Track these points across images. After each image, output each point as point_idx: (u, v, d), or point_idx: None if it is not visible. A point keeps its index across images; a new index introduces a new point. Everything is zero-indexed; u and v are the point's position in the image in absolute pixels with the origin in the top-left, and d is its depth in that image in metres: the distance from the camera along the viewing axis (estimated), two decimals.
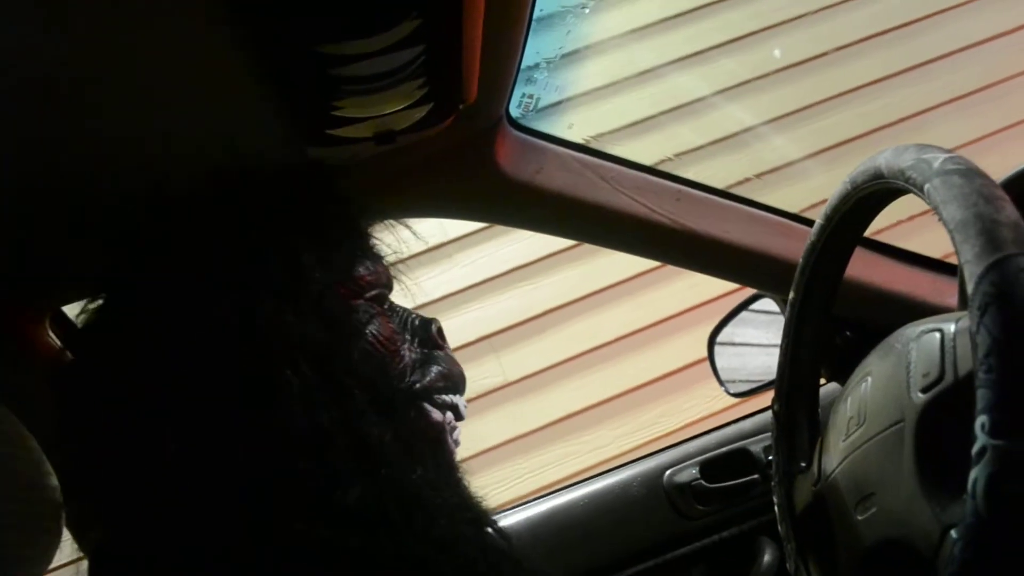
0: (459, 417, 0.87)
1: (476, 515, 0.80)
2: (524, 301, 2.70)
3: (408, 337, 0.85)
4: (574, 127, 2.72)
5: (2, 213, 0.77)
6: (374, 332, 0.79)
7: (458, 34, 0.70)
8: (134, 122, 0.72)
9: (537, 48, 2.34)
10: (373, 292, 0.82)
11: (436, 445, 0.83)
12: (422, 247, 2.71)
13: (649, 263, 2.56)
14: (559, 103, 2.67)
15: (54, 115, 0.66)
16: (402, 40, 0.66)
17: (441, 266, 2.72)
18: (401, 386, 0.80)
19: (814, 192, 2.64)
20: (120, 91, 0.67)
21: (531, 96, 2.44)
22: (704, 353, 1.39)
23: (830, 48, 2.90)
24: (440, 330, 0.89)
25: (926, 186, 0.64)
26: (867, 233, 0.88)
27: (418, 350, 0.85)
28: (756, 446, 1.31)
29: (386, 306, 0.85)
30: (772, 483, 0.95)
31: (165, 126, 0.74)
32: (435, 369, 0.85)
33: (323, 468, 0.68)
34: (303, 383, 0.69)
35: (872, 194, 0.77)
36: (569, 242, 2.58)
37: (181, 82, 0.69)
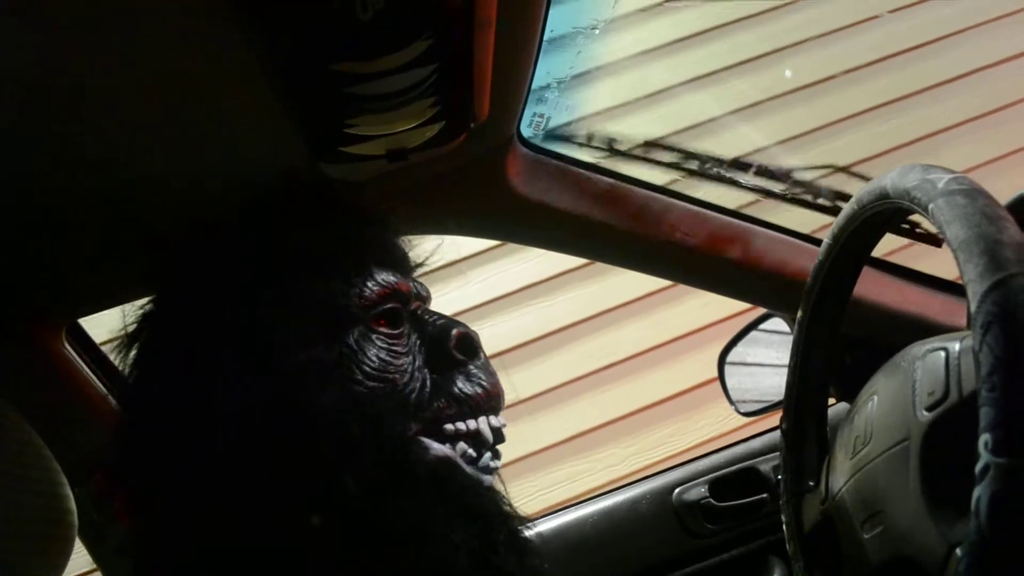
0: (484, 443, 0.79)
1: (501, 547, 0.76)
2: (537, 319, 2.71)
3: (413, 361, 0.78)
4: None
5: (23, 224, 0.78)
6: (367, 366, 0.74)
7: (469, 54, 0.71)
8: (150, 137, 0.73)
9: (548, 68, 2.36)
10: (382, 308, 0.78)
11: (442, 483, 0.75)
12: (436, 264, 2.72)
13: (661, 282, 2.56)
14: (570, 123, 2.69)
15: (76, 128, 0.68)
16: (415, 60, 0.67)
17: (455, 283, 2.73)
18: (390, 431, 0.73)
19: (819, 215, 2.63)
20: (138, 106, 0.68)
21: (542, 116, 2.46)
22: (715, 372, 1.39)
23: (840, 71, 2.91)
24: (465, 338, 0.81)
25: (930, 206, 0.64)
26: (878, 254, 0.89)
27: (425, 373, 0.78)
28: (765, 465, 1.31)
29: (399, 327, 0.79)
30: (781, 502, 0.95)
31: (181, 143, 0.76)
32: (444, 395, 0.78)
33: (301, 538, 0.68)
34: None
35: (878, 214, 0.78)
36: (582, 260, 2.58)
37: (198, 100, 0.71)
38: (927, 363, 0.72)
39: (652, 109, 2.86)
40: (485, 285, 2.74)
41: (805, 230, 1.18)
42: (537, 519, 1.32)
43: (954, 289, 1.19)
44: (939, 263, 1.03)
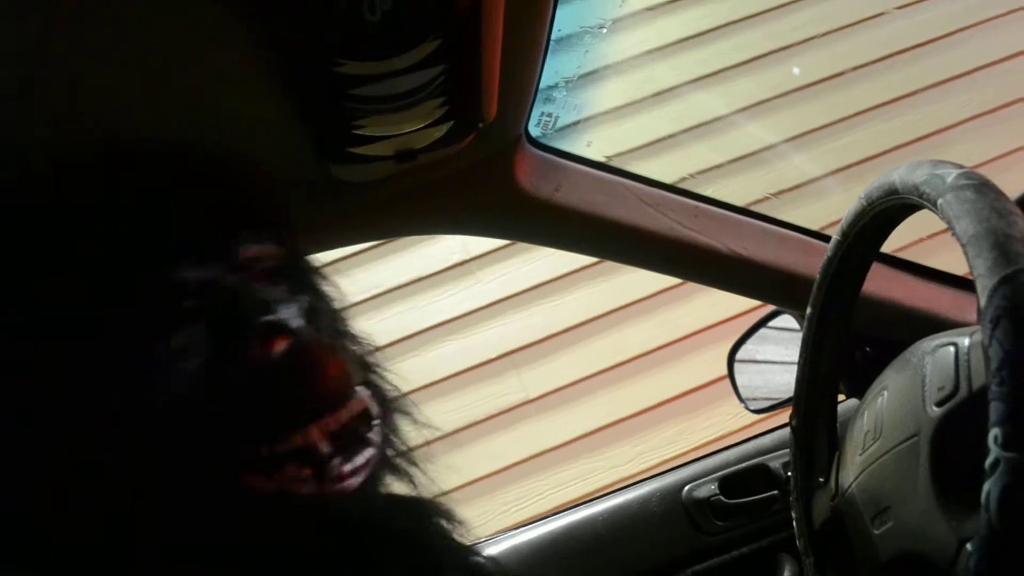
0: (320, 457, 0.64)
1: None
2: (546, 318, 2.72)
3: (197, 386, 0.62)
4: (593, 145, 2.73)
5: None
6: (145, 413, 0.60)
7: (477, 54, 0.71)
8: (152, 139, 0.73)
9: (556, 68, 2.37)
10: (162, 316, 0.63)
11: (290, 521, 0.64)
12: (444, 265, 2.74)
13: (670, 280, 2.56)
14: (578, 122, 2.69)
15: (75, 129, 0.68)
16: (422, 60, 0.67)
17: (463, 283, 2.74)
18: (198, 492, 0.61)
19: (832, 210, 2.63)
20: (141, 107, 0.68)
21: (550, 115, 2.46)
22: (724, 371, 1.39)
23: (848, 68, 2.91)
24: (270, 327, 0.63)
25: (939, 201, 0.64)
26: (887, 250, 0.89)
27: (222, 394, 0.62)
28: (775, 462, 1.31)
29: (173, 340, 0.63)
30: (791, 498, 0.95)
31: (188, 139, 0.76)
32: (252, 416, 0.63)
33: None
34: None
35: (887, 210, 0.78)
36: (590, 259, 2.59)
37: (203, 102, 0.71)
38: (937, 358, 0.72)
39: (659, 108, 2.86)
40: (494, 285, 2.75)
41: (814, 227, 1.18)
42: (546, 518, 1.32)
43: (963, 284, 1.19)
44: (948, 259, 1.03)
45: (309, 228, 0.98)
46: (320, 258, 0.95)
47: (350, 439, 0.66)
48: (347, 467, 0.65)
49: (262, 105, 0.73)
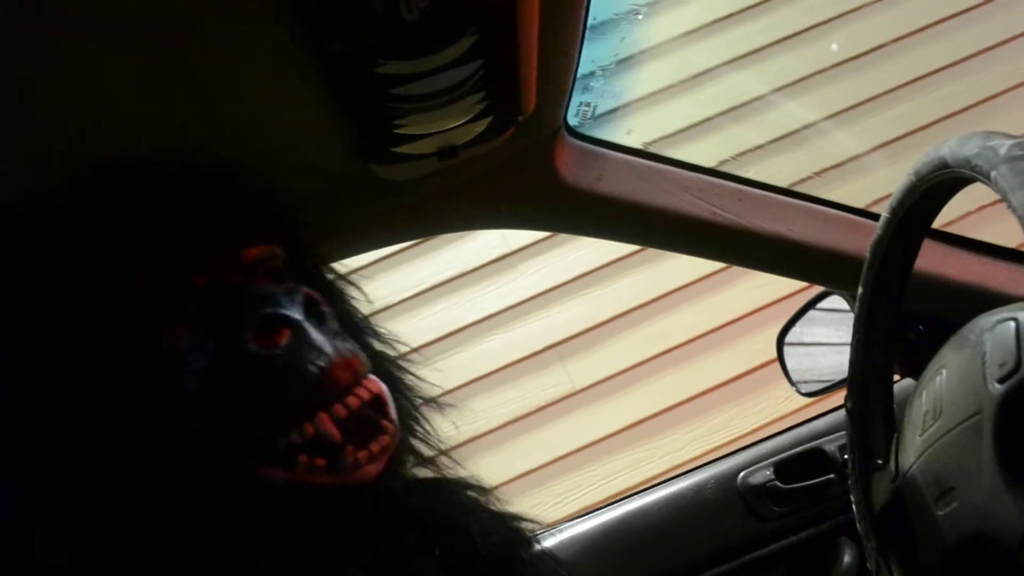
0: (331, 445, 0.64)
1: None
2: (590, 308, 2.71)
3: (206, 382, 0.63)
4: (632, 132, 2.72)
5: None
6: (148, 411, 0.62)
7: (514, 47, 0.71)
8: (193, 143, 0.74)
9: (592, 56, 2.36)
10: (162, 321, 0.64)
11: (303, 513, 0.64)
12: (485, 260, 2.74)
13: (714, 265, 2.54)
14: (616, 109, 2.68)
15: (114, 127, 0.68)
16: (460, 57, 0.67)
17: (506, 277, 2.74)
18: (207, 481, 0.61)
19: (877, 186, 2.59)
20: (181, 111, 0.69)
21: (588, 104, 2.45)
22: (773, 354, 1.37)
23: (888, 39, 2.85)
24: (265, 321, 0.63)
25: (992, 173, 0.63)
26: (935, 225, 0.87)
27: (228, 391, 0.63)
28: (831, 445, 1.30)
29: (180, 341, 0.64)
30: (849, 482, 0.94)
31: (227, 150, 0.77)
32: (260, 407, 0.63)
33: None
34: None
35: (938, 185, 0.76)
36: (632, 247, 2.58)
37: (243, 106, 0.72)
38: (996, 334, 0.71)
39: (696, 91, 2.84)
40: (536, 277, 2.74)
41: (859, 204, 1.17)
42: (600, 508, 1.32)
43: (1018, 257, 1.16)
44: (998, 231, 1.01)
45: (353, 229, 0.99)
46: (351, 261, 0.96)
47: (362, 425, 0.65)
48: (363, 454, 0.64)
49: (304, 109, 0.74)
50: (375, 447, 0.65)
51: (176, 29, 0.60)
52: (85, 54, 0.59)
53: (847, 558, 1.22)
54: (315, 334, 0.64)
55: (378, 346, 0.82)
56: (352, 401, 0.65)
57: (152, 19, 0.58)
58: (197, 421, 0.63)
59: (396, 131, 0.77)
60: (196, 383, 0.63)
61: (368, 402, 0.66)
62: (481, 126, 0.81)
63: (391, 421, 0.67)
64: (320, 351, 0.64)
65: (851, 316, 0.95)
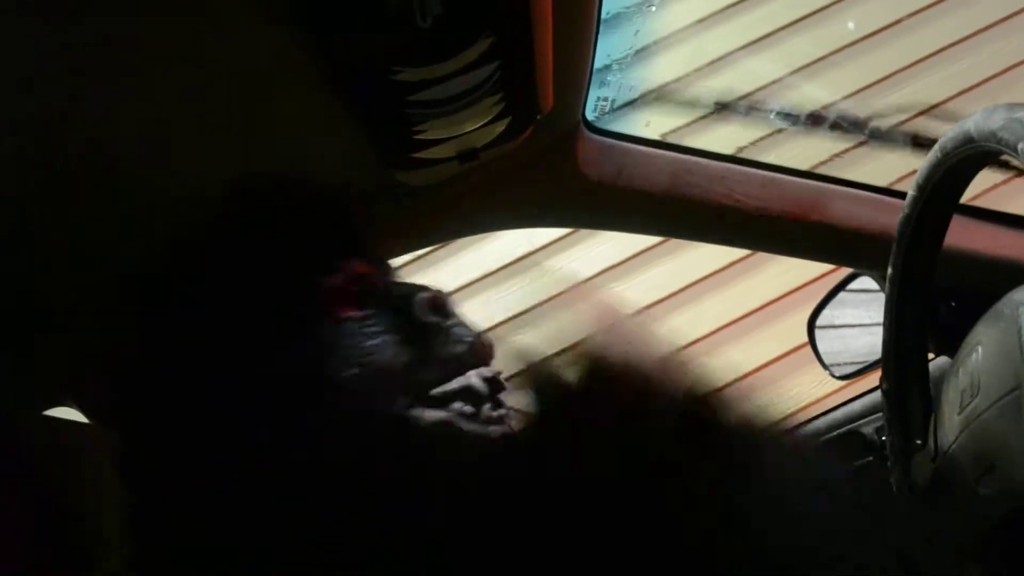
0: (479, 396, 0.75)
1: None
2: (617, 302, 2.70)
3: (387, 338, 0.74)
4: (651, 124, 2.71)
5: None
6: (344, 357, 0.71)
7: (530, 48, 0.71)
8: (220, 152, 0.75)
9: (608, 51, 2.35)
10: (345, 294, 0.75)
11: (446, 446, 0.73)
12: (510, 259, 2.74)
13: (738, 252, 2.53)
14: (634, 101, 2.67)
15: (124, 135, 0.69)
16: (476, 60, 0.68)
17: (530, 275, 2.74)
18: (380, 413, 0.72)
19: (900, 164, 2.56)
20: (199, 121, 0.70)
21: (606, 99, 2.45)
22: (804, 339, 1.36)
23: (904, 14, 2.82)
24: (435, 301, 0.77)
25: (1020, 146, 0.62)
26: (962, 199, 0.86)
27: (401, 347, 0.74)
28: (867, 427, 1.29)
29: (365, 308, 0.75)
30: (888, 463, 0.94)
31: (249, 161, 0.77)
32: (426, 364, 0.75)
33: None
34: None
35: (964, 159, 0.76)
36: (655, 239, 2.57)
37: (260, 117, 0.72)
38: None
39: (713, 77, 2.82)
40: (562, 274, 2.74)
41: (883, 183, 1.16)
42: None
43: None
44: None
45: (377, 237, 0.99)
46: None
47: (495, 390, 0.76)
48: (496, 413, 0.75)
49: (323, 121, 0.75)
50: (503, 411, 0.76)
51: (201, 57, 0.60)
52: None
53: None
54: (462, 319, 0.79)
55: None
56: (492, 369, 0.77)
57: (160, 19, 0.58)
58: (383, 370, 0.73)
59: (416, 137, 0.77)
60: (384, 340, 0.74)
61: (498, 374, 0.77)
62: (500, 127, 0.81)
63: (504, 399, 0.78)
64: (471, 330, 0.79)
65: (882, 296, 0.94)
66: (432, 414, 0.73)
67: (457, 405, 0.74)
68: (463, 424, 0.74)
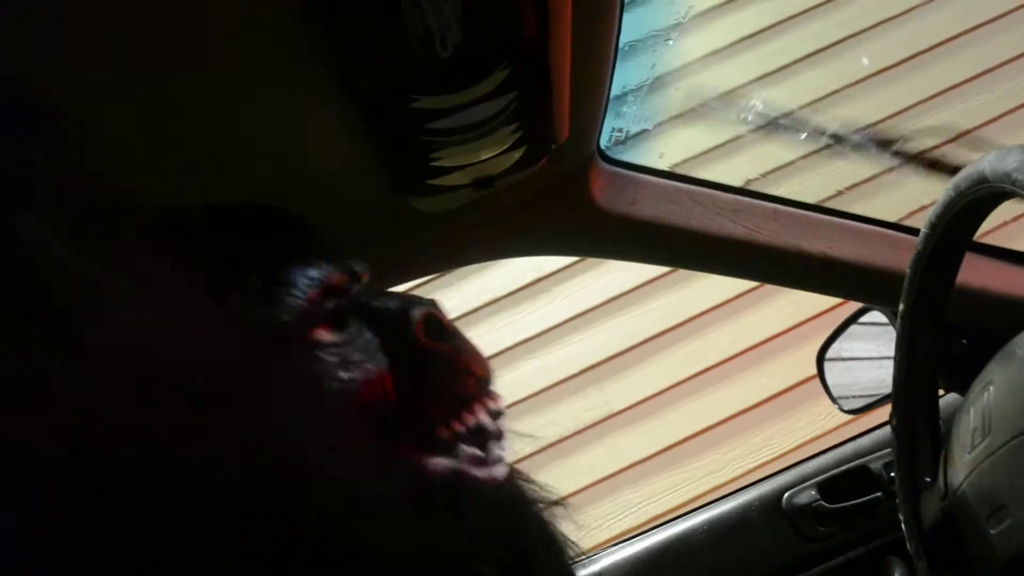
0: (489, 435, 0.65)
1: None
2: (625, 330, 2.70)
3: (373, 364, 0.62)
4: (665, 156, 2.72)
5: None
6: (318, 389, 0.59)
7: (546, 79, 0.72)
8: (235, 181, 0.75)
9: (623, 82, 2.36)
10: (319, 312, 0.62)
11: (458, 503, 0.62)
12: (519, 284, 2.75)
13: (748, 284, 2.53)
14: (648, 131, 2.68)
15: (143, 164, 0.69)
16: (494, 90, 0.68)
17: (540, 301, 2.75)
18: (370, 461, 0.58)
19: (911, 199, 2.55)
20: (219, 146, 0.71)
21: (621, 130, 2.46)
22: (812, 371, 1.36)
23: (916, 51, 2.84)
24: (430, 318, 0.65)
25: None
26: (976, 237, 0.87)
27: (392, 375, 0.63)
28: (876, 463, 1.28)
29: (344, 328, 0.63)
30: (897, 500, 0.93)
31: (267, 189, 0.78)
32: (424, 394, 0.64)
33: None
34: None
35: (978, 199, 0.76)
36: (665, 268, 2.57)
37: (277, 144, 0.73)
38: None
39: (728, 109, 2.83)
40: (570, 301, 2.74)
41: (894, 217, 1.16)
42: (645, 532, 1.31)
43: None
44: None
45: (390, 261, 1.00)
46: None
47: (501, 425, 0.67)
48: (500, 452, 0.65)
49: (341, 146, 0.75)
50: (507, 447, 0.66)
51: (220, 79, 0.61)
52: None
53: None
54: (460, 335, 0.67)
55: None
56: (495, 400, 0.67)
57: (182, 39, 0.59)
58: (370, 404, 0.62)
59: (432, 164, 0.78)
60: (368, 367, 0.62)
61: (500, 407, 0.67)
62: (515, 156, 0.82)
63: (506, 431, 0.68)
64: (471, 349, 0.67)
65: (892, 330, 0.94)
66: (438, 463, 0.62)
67: (464, 450, 0.63)
68: (474, 473, 0.63)
